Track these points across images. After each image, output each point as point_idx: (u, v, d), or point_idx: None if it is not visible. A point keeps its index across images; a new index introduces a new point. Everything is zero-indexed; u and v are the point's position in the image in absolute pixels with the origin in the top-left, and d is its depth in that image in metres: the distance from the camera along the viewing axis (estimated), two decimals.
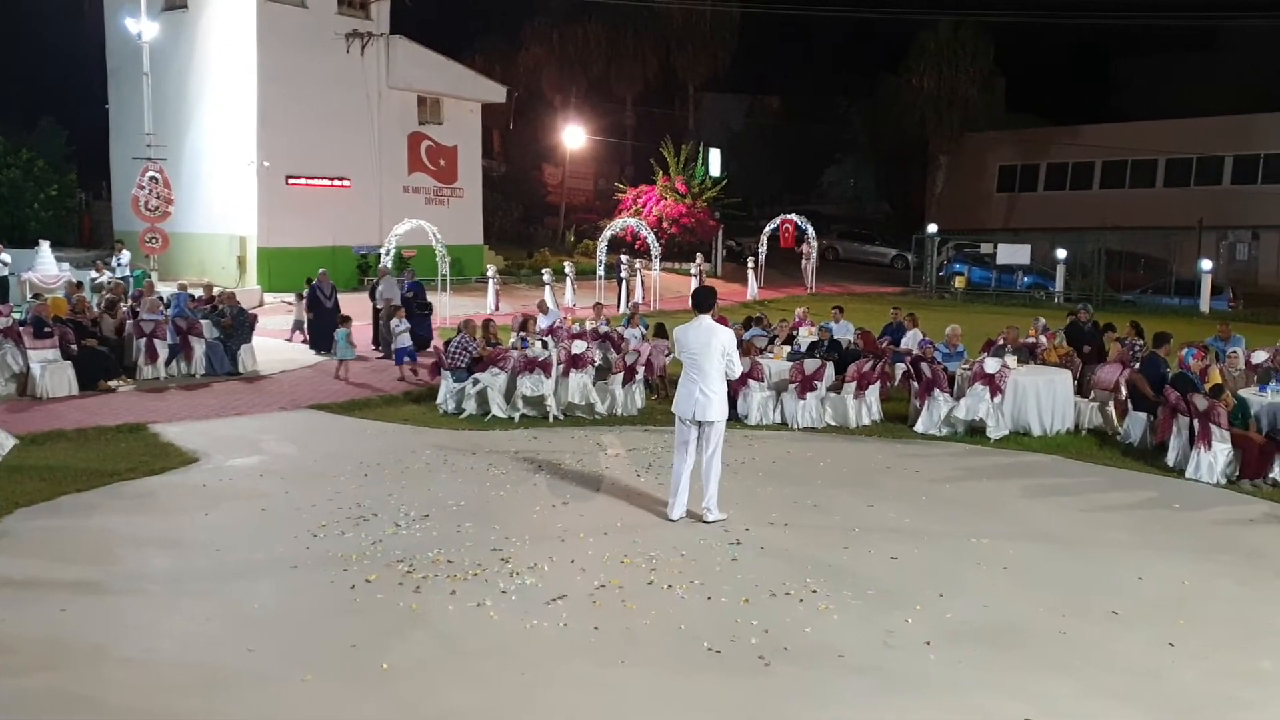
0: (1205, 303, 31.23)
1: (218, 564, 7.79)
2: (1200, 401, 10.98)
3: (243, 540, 8.34)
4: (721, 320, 9.98)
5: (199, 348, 16.16)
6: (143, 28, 23.81)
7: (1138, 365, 13.07)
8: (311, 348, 18.75)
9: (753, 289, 31.75)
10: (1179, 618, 7.01)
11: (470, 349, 13.76)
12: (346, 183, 29.63)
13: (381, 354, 18.24)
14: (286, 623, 6.73)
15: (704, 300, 9.08)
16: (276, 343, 19.42)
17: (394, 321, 16.83)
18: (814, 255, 34.53)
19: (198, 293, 18.83)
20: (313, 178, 28.85)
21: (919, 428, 13.11)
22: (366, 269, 28.25)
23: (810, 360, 13.65)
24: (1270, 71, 43.92)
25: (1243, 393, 11.93)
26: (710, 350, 8.72)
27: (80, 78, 31.37)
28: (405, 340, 16.49)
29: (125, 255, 24.21)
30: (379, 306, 18.98)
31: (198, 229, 28.17)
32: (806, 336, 15.85)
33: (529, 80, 42.76)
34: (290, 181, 28.29)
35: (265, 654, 6.21)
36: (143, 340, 15.70)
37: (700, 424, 8.77)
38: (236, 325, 16.73)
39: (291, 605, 7.04)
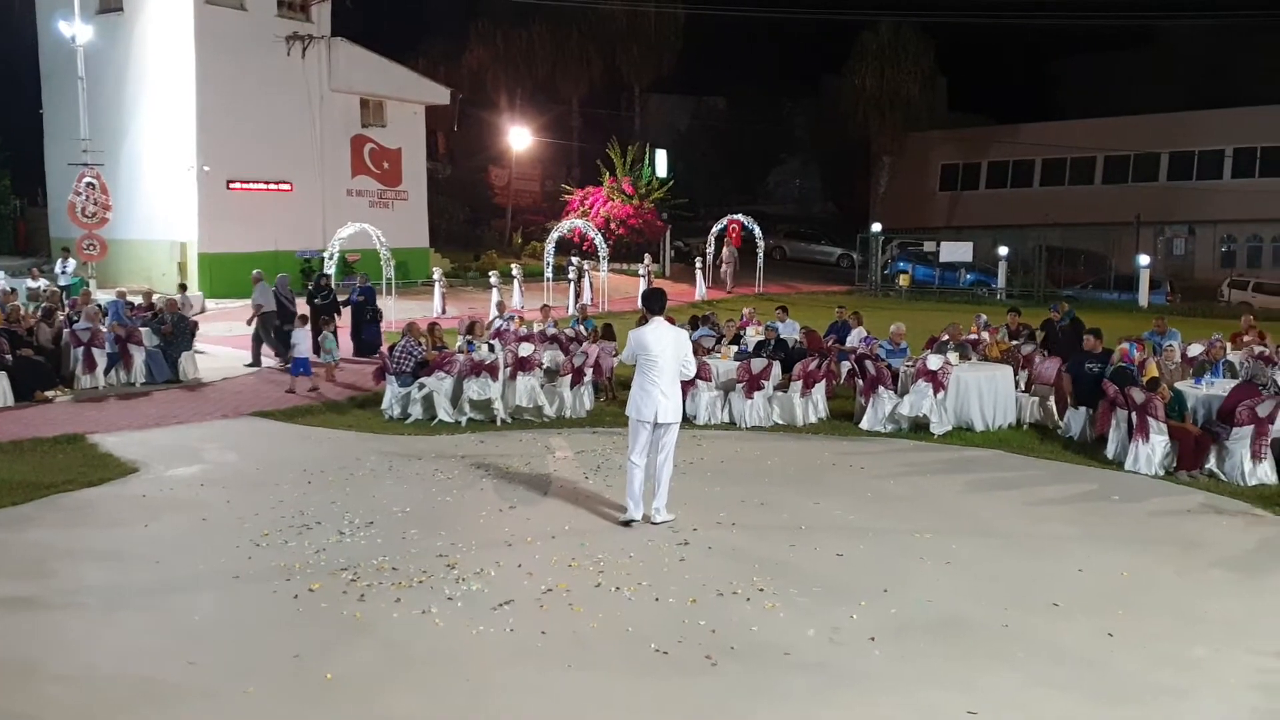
0: (1144, 297, 31.83)
1: (157, 576, 7.66)
2: (1138, 395, 11.18)
3: (183, 551, 8.21)
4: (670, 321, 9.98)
5: (138, 356, 15.89)
6: (76, 31, 23.39)
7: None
8: (277, 355, 18.06)
9: (701, 289, 31.84)
10: (1118, 608, 7.13)
11: (415, 353, 13.67)
12: (288, 187, 29.32)
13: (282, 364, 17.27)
14: (228, 634, 6.64)
15: (657, 301, 9.08)
16: (218, 349, 19.13)
17: (296, 332, 15.94)
18: (735, 260, 34.54)
19: (137, 300, 18.51)
20: (254, 182, 28.51)
21: (864, 425, 13.23)
22: (310, 273, 27.94)
23: (757, 360, 13.71)
24: (1203, 70, 44.91)
25: (1179, 385, 12.18)
26: (671, 352, 8.75)
27: (12, 81, 30.70)
28: (304, 351, 15.56)
29: (71, 263, 23.71)
30: (252, 314, 17.95)
31: (137, 235, 27.70)
32: (754, 336, 15.93)
33: (473, 82, 42.52)
34: (231, 186, 27.93)
35: (206, 667, 6.11)
36: (80, 349, 15.39)
37: (659, 425, 8.74)
38: (177, 332, 16.48)
39: (233, 616, 6.94)
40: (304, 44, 29.32)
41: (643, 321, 9.29)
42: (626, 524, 8.80)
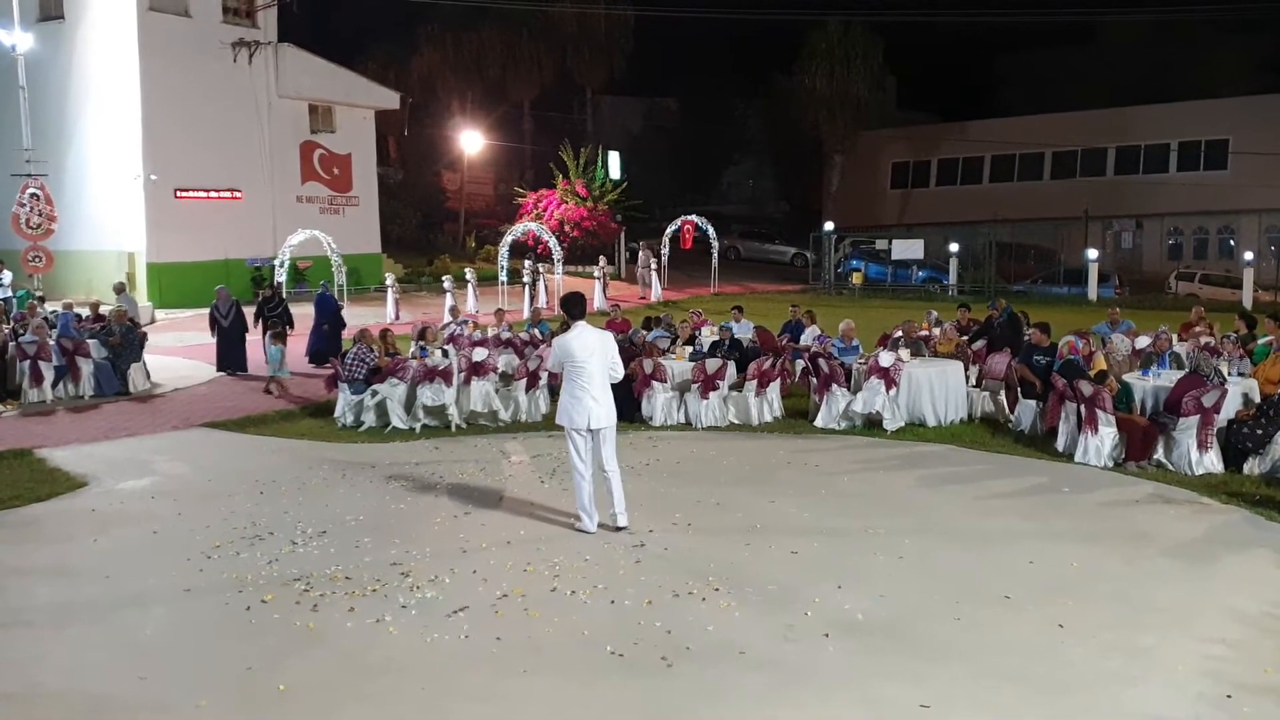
0: (1093, 290, 32.28)
1: (107, 591, 7.55)
2: (1086, 387, 11.34)
3: (133, 565, 8.10)
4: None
5: (86, 368, 15.64)
6: (16, 39, 22.98)
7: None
8: (219, 369, 17.93)
9: (656, 290, 31.90)
10: (1068, 599, 7.22)
11: (368, 360, 13.57)
12: (238, 194, 29.02)
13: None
14: (180, 648, 6.56)
15: (576, 306, 8.89)
16: (168, 360, 18.87)
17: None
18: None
19: (84, 311, 18.24)
20: (202, 190, 28.22)
21: (818, 422, 13.31)
22: (261, 281, 27.70)
23: (712, 360, 13.75)
24: (1146, 65, 45.61)
25: (1126, 377, 12.36)
26: (598, 356, 8.63)
27: None
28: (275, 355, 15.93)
29: (6, 275, 23.31)
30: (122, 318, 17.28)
31: (83, 246, 27.31)
32: (708, 337, 15.98)
33: (424, 86, 42.34)
34: (179, 194, 27.62)
35: (157, 681, 6.04)
36: (27, 362, 15.13)
37: (593, 431, 8.65)
38: (126, 343, 16.24)
39: (185, 630, 6.85)
40: (250, 50, 29.05)
41: (564, 328, 9.12)
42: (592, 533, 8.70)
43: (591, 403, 8.58)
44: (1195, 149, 41.00)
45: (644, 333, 16.00)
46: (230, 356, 17.92)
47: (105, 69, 27.21)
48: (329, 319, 19.02)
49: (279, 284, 19.63)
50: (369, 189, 33.55)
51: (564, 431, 8.86)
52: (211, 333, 18.37)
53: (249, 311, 18.74)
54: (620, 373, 8.98)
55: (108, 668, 6.24)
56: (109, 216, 27.27)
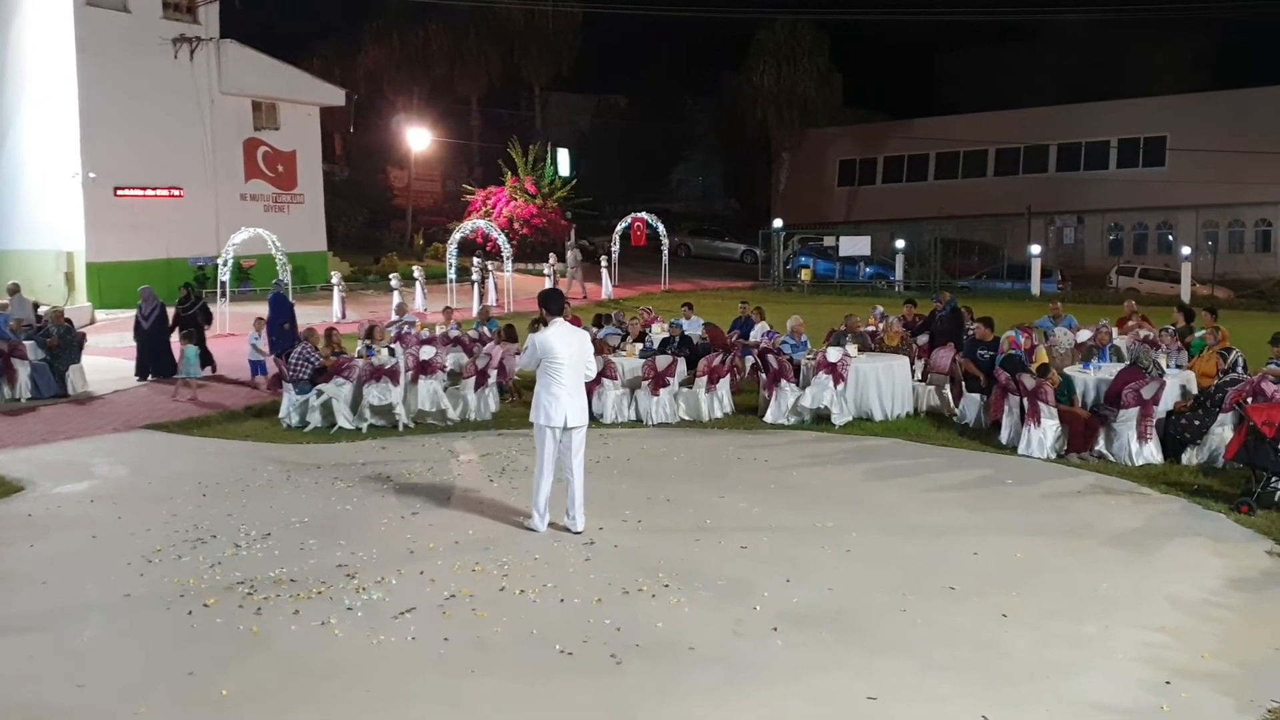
0: (1036, 285, 32.73)
1: (43, 597, 7.39)
2: (1028, 381, 11.49)
3: (71, 570, 7.94)
4: (576, 321, 9.92)
5: (23, 370, 15.28)
6: None
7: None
8: (137, 374, 17.07)
9: (607, 288, 31.85)
10: (1012, 589, 7.32)
11: (312, 359, 13.40)
12: (180, 192, 28.52)
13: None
14: (119, 654, 6.43)
15: (555, 302, 8.86)
16: (109, 361, 18.50)
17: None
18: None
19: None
20: (143, 188, 27.66)
21: (768, 418, 13.37)
22: (204, 280, 27.29)
23: (662, 357, 13.76)
24: (1086, 63, 46.36)
25: (1068, 370, 12.56)
26: (577, 354, 8.58)
27: None
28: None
29: None
30: (11, 328, 16.52)
31: (20, 245, 26.74)
32: (659, 333, 15.99)
33: (370, 82, 41.94)
34: (119, 192, 27.07)
35: (95, 689, 5.92)
36: None
37: (568, 430, 8.57)
38: (64, 345, 15.89)
39: (124, 635, 6.72)
40: (192, 46, 28.55)
41: (541, 323, 9.06)
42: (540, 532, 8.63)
43: (569, 400, 8.52)
44: (1134, 146, 41.71)
45: (595, 329, 15.99)
46: (151, 360, 17.06)
47: (40, 64, 26.61)
48: (288, 318, 17.98)
49: (193, 284, 18.84)
50: (314, 186, 33.13)
51: (531, 429, 8.75)
52: (134, 335, 17.50)
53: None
54: (594, 371, 8.98)
55: (43, 675, 6.10)
56: (46, 215, 26.69)
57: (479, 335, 16.13)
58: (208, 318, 18.12)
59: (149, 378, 16.95)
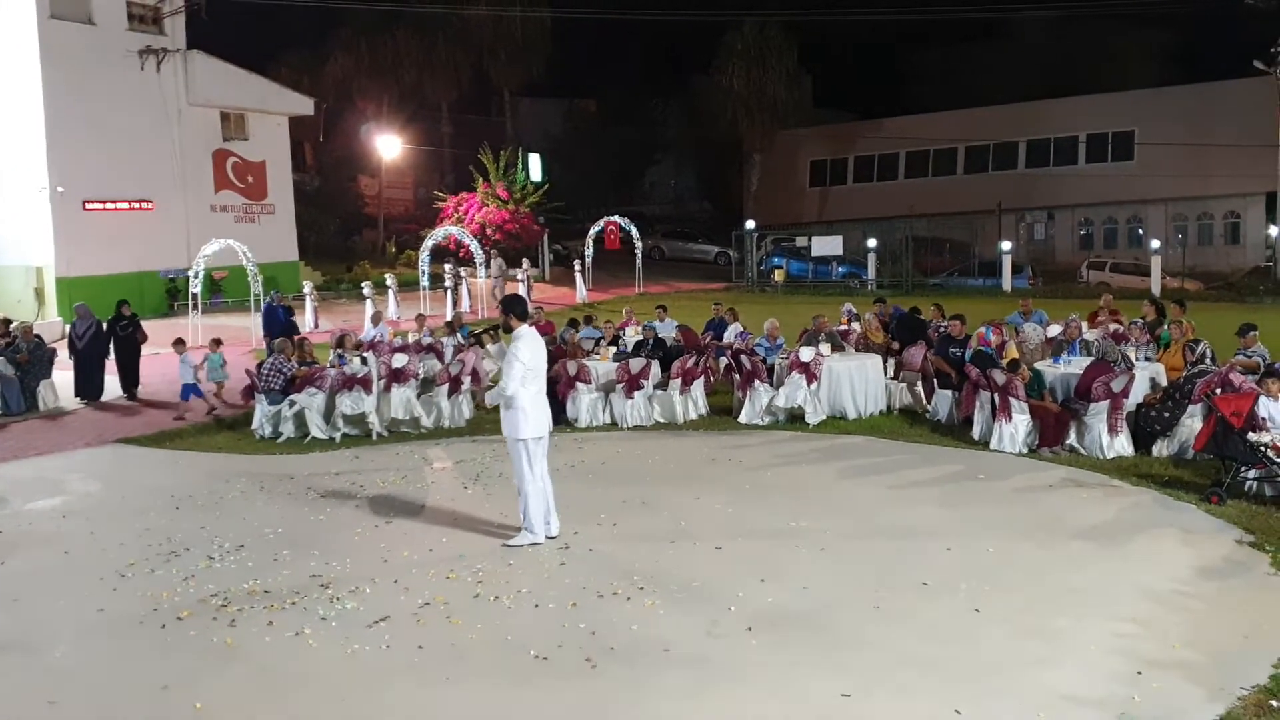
0: (1007, 282, 32.91)
1: (16, 614, 7.34)
2: (999, 376, 11.56)
3: (44, 587, 7.88)
4: (549, 326, 9.90)
5: None
6: None
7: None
8: (76, 394, 16.36)
9: (581, 292, 31.85)
10: (985, 584, 7.36)
11: (284, 370, 13.34)
12: (149, 205, 28.32)
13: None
14: (92, 670, 6.39)
15: (520, 305, 8.65)
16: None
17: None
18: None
19: None
20: (112, 201, 27.44)
21: (742, 418, 13.40)
22: (176, 293, 27.12)
23: (636, 360, 13.78)
24: (1053, 59, 46.69)
25: (1038, 365, 12.64)
26: (544, 357, 8.63)
27: None
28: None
29: None
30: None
31: None
32: (633, 336, 16.00)
33: (339, 91, 41.71)
34: (88, 206, 26.84)
35: (69, 705, 5.89)
36: None
37: (546, 438, 8.54)
38: (34, 360, 15.77)
39: (98, 651, 6.68)
40: (158, 58, 28.35)
41: (505, 329, 8.58)
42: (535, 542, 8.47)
43: (546, 406, 8.54)
44: (1103, 141, 41.98)
45: (573, 331, 16.00)
46: (85, 382, 16.37)
47: (5, 78, 26.34)
48: (281, 332, 17.17)
49: (126, 301, 17.83)
50: (285, 196, 32.96)
51: (509, 441, 8.43)
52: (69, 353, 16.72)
53: (164, 324, 17.99)
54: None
55: (16, 692, 6.07)
56: (14, 230, 26.41)
57: (457, 346, 15.72)
58: (143, 337, 17.08)
59: (86, 401, 16.23)
